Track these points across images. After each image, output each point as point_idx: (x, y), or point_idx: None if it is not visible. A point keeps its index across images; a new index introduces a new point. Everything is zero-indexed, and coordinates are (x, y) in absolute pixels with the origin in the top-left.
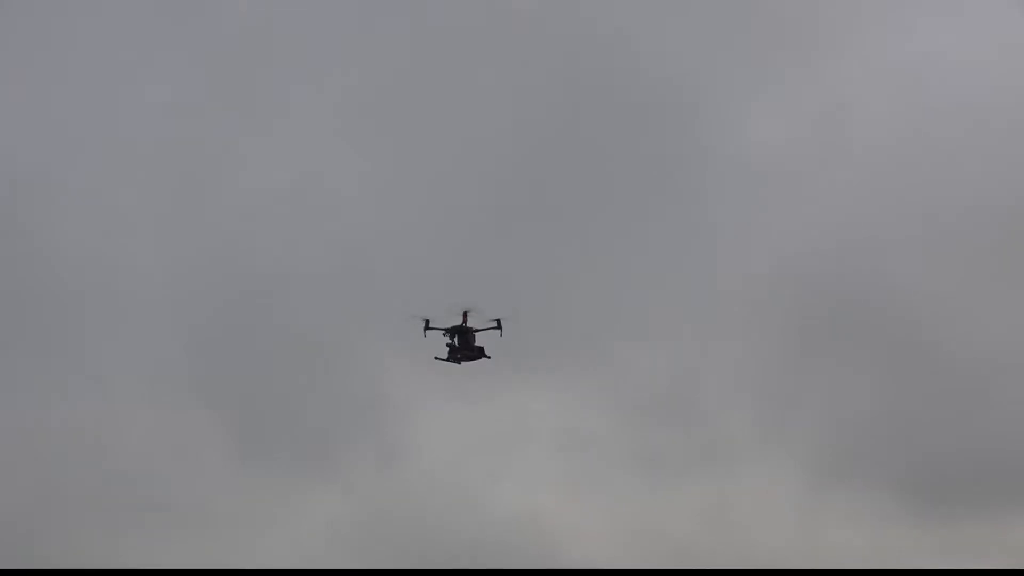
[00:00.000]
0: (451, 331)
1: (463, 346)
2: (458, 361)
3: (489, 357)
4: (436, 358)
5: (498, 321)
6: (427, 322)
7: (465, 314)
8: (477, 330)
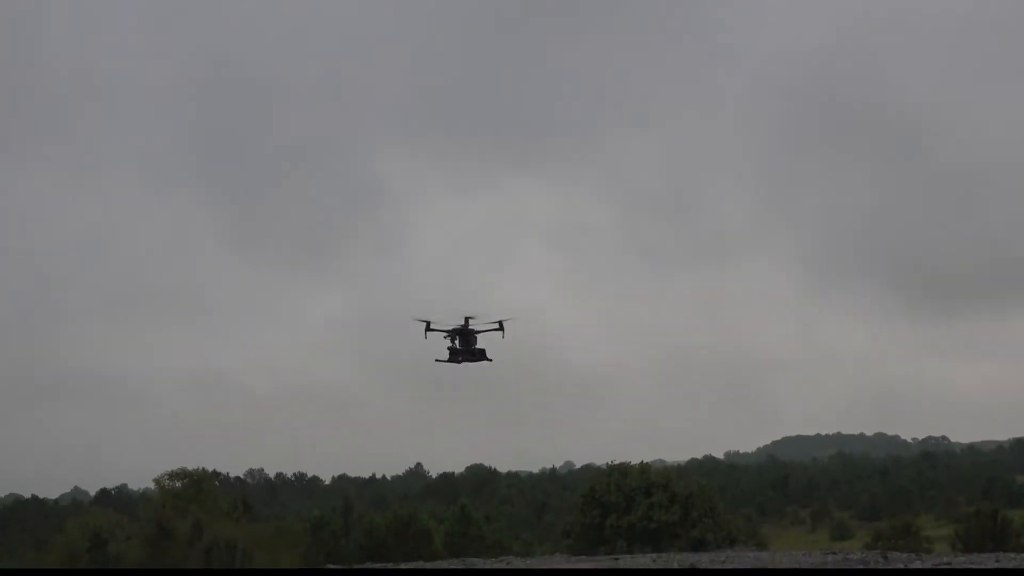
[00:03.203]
0: (452, 333)
1: (464, 348)
2: (459, 362)
3: (491, 360)
4: (437, 360)
5: (500, 323)
6: (428, 324)
7: (467, 318)
8: (479, 332)
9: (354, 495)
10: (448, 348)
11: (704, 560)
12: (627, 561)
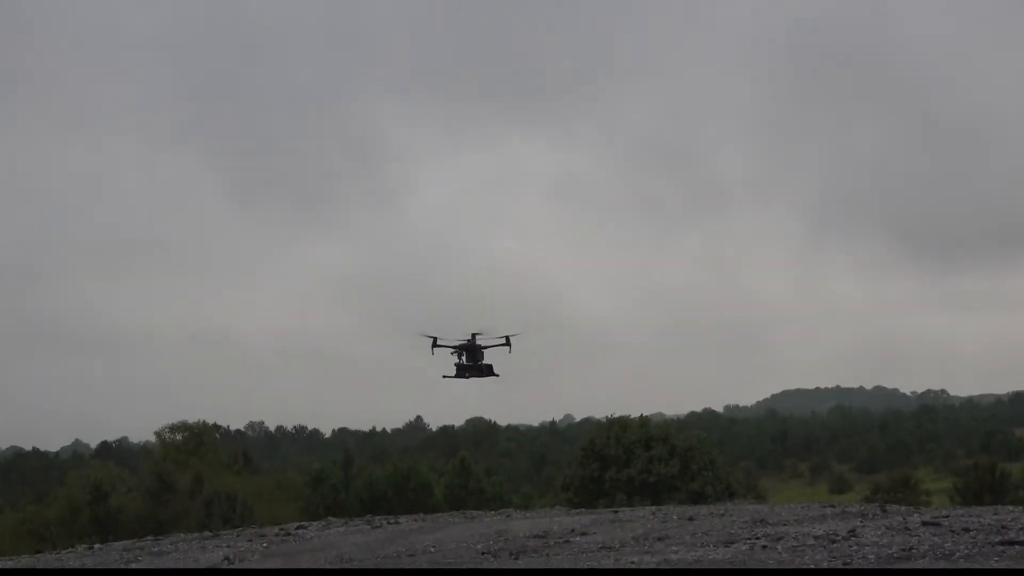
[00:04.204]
0: (459, 349)
1: (471, 363)
2: (466, 378)
3: (498, 375)
4: (444, 376)
5: (507, 338)
6: (435, 340)
7: (474, 334)
8: (485, 347)
9: (354, 448)
10: (455, 364)
11: (703, 512)
12: (627, 514)
